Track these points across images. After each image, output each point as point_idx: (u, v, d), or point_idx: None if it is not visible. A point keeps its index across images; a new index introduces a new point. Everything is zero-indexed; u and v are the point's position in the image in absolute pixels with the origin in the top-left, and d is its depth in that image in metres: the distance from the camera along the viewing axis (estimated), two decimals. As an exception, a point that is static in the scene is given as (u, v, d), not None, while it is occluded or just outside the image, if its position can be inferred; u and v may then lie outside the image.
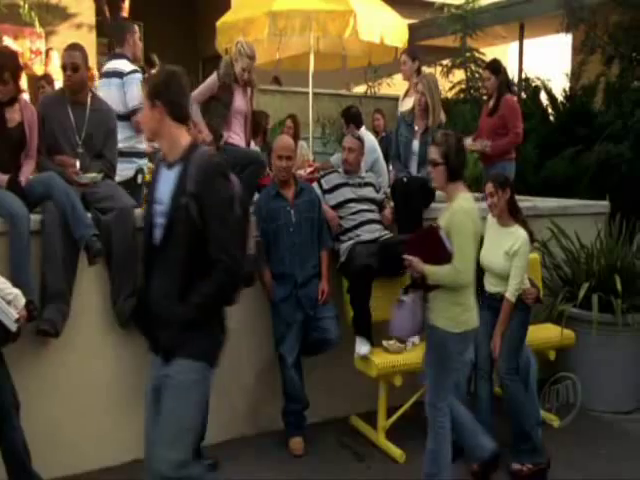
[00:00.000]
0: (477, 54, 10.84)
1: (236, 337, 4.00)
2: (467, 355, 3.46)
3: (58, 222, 3.36)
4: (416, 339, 4.06)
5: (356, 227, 4.11)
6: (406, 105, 5.11)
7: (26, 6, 8.51)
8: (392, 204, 4.41)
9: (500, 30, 11.37)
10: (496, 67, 5.37)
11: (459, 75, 10.77)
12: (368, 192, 4.26)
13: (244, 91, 4.52)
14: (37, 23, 8.83)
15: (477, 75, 10.74)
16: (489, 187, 3.75)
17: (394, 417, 4.03)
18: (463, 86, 10.48)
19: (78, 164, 3.64)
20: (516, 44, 11.77)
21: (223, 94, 4.40)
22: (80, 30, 10.70)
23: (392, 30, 6.38)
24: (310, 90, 6.68)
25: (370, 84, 10.65)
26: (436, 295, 3.20)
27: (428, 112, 4.50)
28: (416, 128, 4.59)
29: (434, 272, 3.14)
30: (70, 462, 3.57)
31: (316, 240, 3.97)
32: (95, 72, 9.13)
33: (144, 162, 4.56)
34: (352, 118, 5.99)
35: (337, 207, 4.17)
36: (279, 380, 3.97)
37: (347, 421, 4.34)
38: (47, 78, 6.40)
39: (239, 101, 4.47)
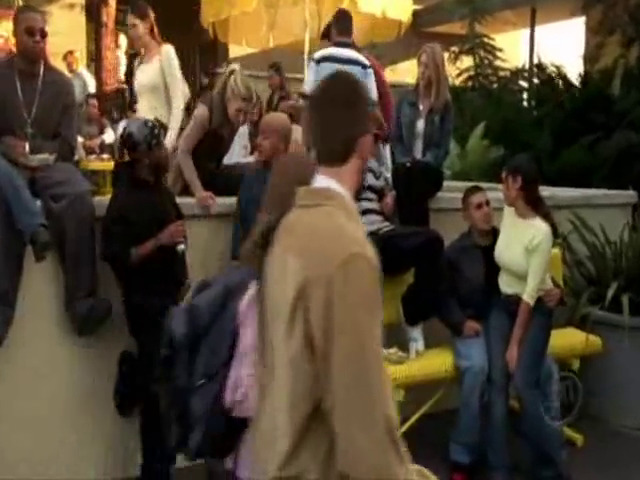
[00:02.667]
0: (487, 40, 10.39)
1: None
2: None
3: (-1, 210, 2.86)
4: (420, 346, 3.57)
5: (352, 218, 3.59)
6: (142, 73, 4.21)
7: (9, -14, 8.02)
8: (394, 192, 3.89)
9: (510, 15, 10.92)
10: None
11: (467, 62, 10.35)
12: (367, 178, 3.74)
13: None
14: (20, 4, 8.33)
15: (486, 62, 10.31)
16: (503, 173, 3.33)
17: (395, 436, 3.52)
18: (472, 73, 10.06)
19: (27, 147, 3.13)
20: (528, 30, 11.31)
21: (211, 139, 3.69)
22: (70, 13, 10.23)
23: (395, 1, 5.82)
24: (305, 66, 6.12)
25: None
26: None
27: (432, 88, 3.98)
28: (421, 107, 4.07)
29: None
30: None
31: None
32: (77, 55, 8.74)
33: None
34: None
35: (330, 195, 3.65)
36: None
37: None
38: None
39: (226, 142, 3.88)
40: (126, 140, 2.97)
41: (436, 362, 3.49)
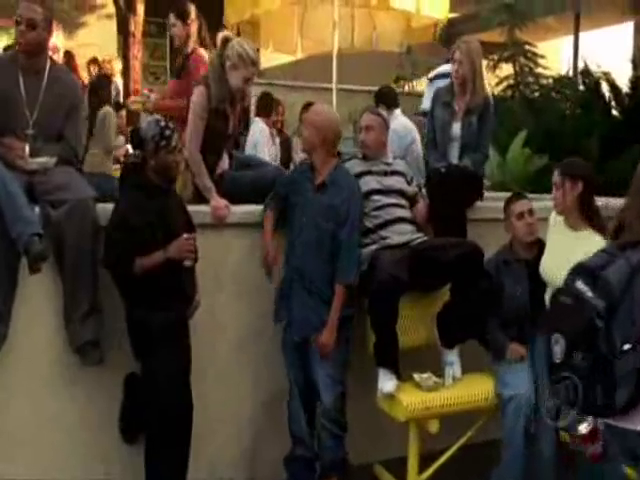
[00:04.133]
0: (528, 46, 10.05)
1: (244, 359, 3.26)
2: None
3: (-9, 217, 2.62)
4: (457, 371, 3.21)
5: (381, 227, 3.26)
6: None
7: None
8: (427, 201, 3.55)
9: (552, 22, 10.55)
10: (183, 11, 3.99)
11: (506, 70, 10.01)
12: (396, 182, 3.40)
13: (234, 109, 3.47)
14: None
15: (527, 69, 9.96)
16: (555, 176, 3.01)
17: (429, 471, 3.17)
18: (512, 81, 9.71)
19: (27, 149, 2.90)
20: (571, 37, 10.91)
21: (213, 119, 3.31)
22: (105, 24, 10.27)
23: (430, -4, 5.47)
24: (334, 72, 5.83)
25: (406, 79, 9.87)
26: None
27: (466, 87, 3.64)
28: (456, 108, 3.73)
29: None
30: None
31: (327, 262, 3.03)
32: (115, 65, 8.75)
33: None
34: (381, 97, 5.03)
35: (358, 202, 3.34)
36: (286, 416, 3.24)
37: (370, 471, 3.48)
38: None
39: (233, 123, 3.46)
40: (133, 135, 2.74)
41: (475, 390, 3.15)
